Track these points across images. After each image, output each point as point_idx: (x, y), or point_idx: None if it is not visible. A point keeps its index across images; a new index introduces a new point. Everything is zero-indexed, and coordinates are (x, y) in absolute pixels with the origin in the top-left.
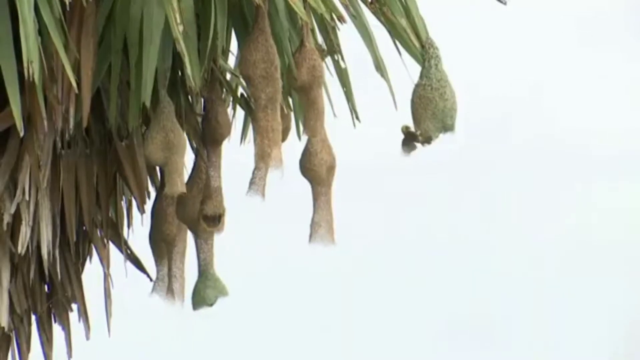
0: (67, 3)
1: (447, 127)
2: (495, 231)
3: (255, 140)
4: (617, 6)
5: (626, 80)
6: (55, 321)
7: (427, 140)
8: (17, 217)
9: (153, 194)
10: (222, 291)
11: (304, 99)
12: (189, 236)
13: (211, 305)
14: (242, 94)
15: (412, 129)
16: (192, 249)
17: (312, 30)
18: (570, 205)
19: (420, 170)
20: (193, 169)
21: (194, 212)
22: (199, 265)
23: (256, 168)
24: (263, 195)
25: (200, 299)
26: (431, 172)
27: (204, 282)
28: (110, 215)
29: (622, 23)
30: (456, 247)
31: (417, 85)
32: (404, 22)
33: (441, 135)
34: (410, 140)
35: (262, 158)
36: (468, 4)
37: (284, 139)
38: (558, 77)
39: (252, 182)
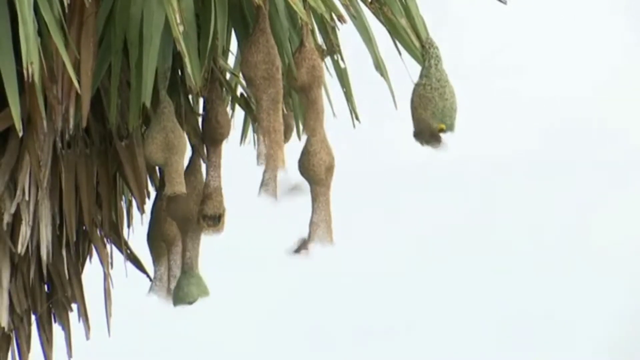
0: (66, 4)
1: (447, 127)
2: (496, 229)
3: (257, 141)
4: None
5: None
6: (55, 321)
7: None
8: (17, 217)
9: (153, 194)
10: (204, 291)
11: (303, 99)
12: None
13: (191, 303)
14: (241, 94)
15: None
16: None
17: (312, 31)
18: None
19: (419, 170)
20: (187, 167)
21: (185, 210)
22: (184, 264)
23: (266, 170)
24: (275, 196)
25: (183, 295)
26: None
27: (188, 279)
28: (110, 215)
29: None
30: (454, 247)
31: (416, 85)
32: (403, 21)
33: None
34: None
35: (267, 160)
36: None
37: (287, 138)
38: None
39: (263, 184)
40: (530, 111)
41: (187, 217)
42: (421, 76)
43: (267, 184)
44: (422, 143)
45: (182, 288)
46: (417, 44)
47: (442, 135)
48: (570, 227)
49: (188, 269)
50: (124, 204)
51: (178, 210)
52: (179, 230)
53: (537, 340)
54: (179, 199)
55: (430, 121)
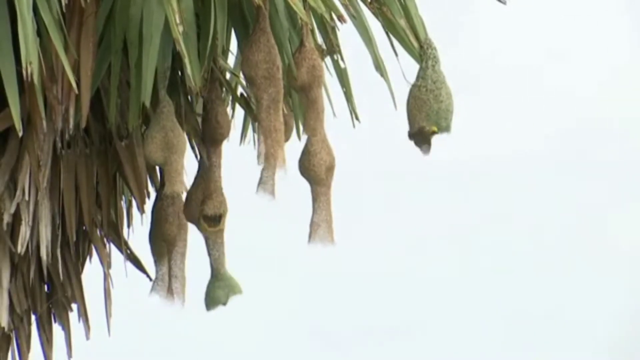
0: (64, 4)
1: (441, 129)
2: (497, 229)
3: (259, 140)
4: None
5: None
6: (55, 321)
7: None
8: (17, 217)
9: (153, 194)
10: (234, 290)
11: (304, 99)
12: (189, 236)
13: (224, 304)
14: (241, 94)
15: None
16: (193, 248)
17: (312, 30)
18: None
19: (419, 170)
20: (199, 170)
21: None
22: (211, 265)
23: (265, 168)
24: (273, 194)
25: (211, 300)
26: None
27: (214, 282)
28: (110, 215)
29: None
30: (454, 247)
31: (412, 86)
32: (402, 22)
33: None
34: (421, 139)
35: (266, 158)
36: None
37: (287, 138)
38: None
39: (261, 182)
40: (534, 111)
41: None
42: (418, 77)
43: (266, 182)
44: (416, 144)
45: (209, 294)
46: (415, 44)
47: (434, 137)
48: (571, 228)
49: (216, 273)
50: (124, 204)
51: (193, 213)
52: (181, 232)
53: (537, 340)
54: (192, 202)
55: (423, 123)
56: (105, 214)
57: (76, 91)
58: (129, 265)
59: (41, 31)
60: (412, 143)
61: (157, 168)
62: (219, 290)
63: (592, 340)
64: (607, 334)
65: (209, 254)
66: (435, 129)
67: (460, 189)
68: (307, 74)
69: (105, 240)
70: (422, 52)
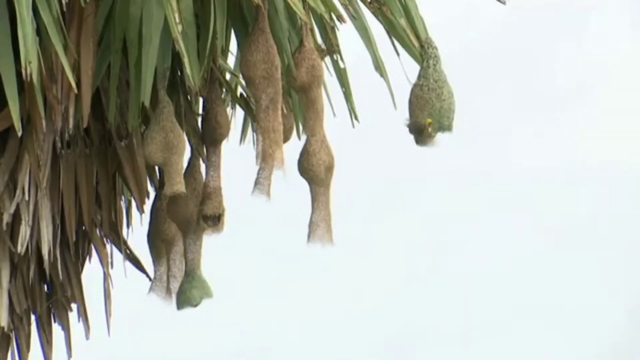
0: (64, 3)
1: (444, 128)
2: (497, 228)
3: (257, 140)
4: None
5: None
6: (55, 321)
7: (435, 130)
8: (16, 217)
9: (152, 194)
10: (207, 292)
11: (303, 99)
12: None
13: (195, 305)
14: (241, 94)
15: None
16: None
17: (312, 30)
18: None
19: (419, 169)
20: (187, 169)
21: (185, 212)
22: (186, 265)
23: (261, 168)
24: (268, 195)
25: (185, 299)
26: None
27: (190, 282)
28: (110, 215)
29: None
30: (456, 248)
31: (414, 85)
32: (403, 21)
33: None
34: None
35: (264, 158)
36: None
37: (287, 139)
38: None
39: (257, 183)
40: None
41: (187, 219)
42: (419, 76)
43: (261, 182)
44: (418, 143)
45: (185, 292)
46: (416, 44)
47: (432, 132)
48: (571, 227)
49: (190, 272)
50: (123, 204)
51: (178, 212)
52: (180, 232)
53: (538, 339)
54: (178, 201)
55: (423, 121)
56: (105, 214)
57: (76, 91)
58: (129, 265)
59: (41, 31)
60: (411, 143)
61: (157, 168)
62: (194, 290)
63: (593, 339)
64: (608, 334)
65: (186, 255)
66: (429, 121)
67: (459, 189)
68: (307, 74)
69: (105, 240)
70: (423, 51)
